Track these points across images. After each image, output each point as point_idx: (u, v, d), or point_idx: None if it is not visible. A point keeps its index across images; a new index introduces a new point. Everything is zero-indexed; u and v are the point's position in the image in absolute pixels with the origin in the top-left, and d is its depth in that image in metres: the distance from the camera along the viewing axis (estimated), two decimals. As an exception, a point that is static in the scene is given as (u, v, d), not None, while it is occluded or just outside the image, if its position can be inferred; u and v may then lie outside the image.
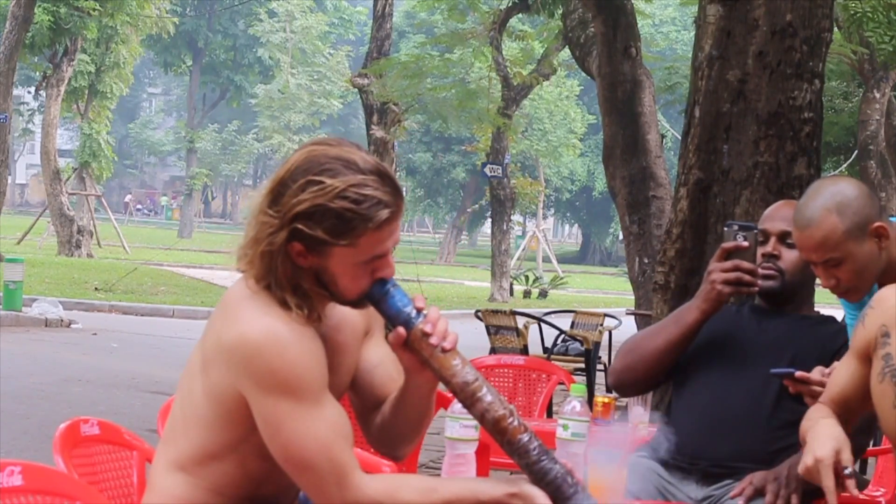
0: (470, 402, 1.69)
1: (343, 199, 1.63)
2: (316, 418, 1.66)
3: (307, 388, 1.66)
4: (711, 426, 2.41)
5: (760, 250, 2.49)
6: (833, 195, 2.11)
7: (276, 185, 1.67)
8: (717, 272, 2.41)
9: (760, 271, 2.45)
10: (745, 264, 2.40)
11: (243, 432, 1.72)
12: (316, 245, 1.66)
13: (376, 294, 1.71)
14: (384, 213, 1.65)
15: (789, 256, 2.46)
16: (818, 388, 2.02)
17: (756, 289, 2.42)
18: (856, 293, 2.13)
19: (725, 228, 2.45)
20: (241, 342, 1.66)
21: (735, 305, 2.58)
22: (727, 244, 2.41)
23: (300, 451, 1.66)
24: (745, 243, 2.40)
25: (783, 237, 2.47)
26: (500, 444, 1.70)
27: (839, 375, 1.96)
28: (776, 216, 2.53)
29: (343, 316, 1.81)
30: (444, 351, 1.70)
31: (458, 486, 1.72)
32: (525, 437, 1.68)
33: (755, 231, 2.43)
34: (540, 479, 1.68)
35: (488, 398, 1.69)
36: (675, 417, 2.50)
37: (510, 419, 1.68)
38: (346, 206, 1.63)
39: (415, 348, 1.71)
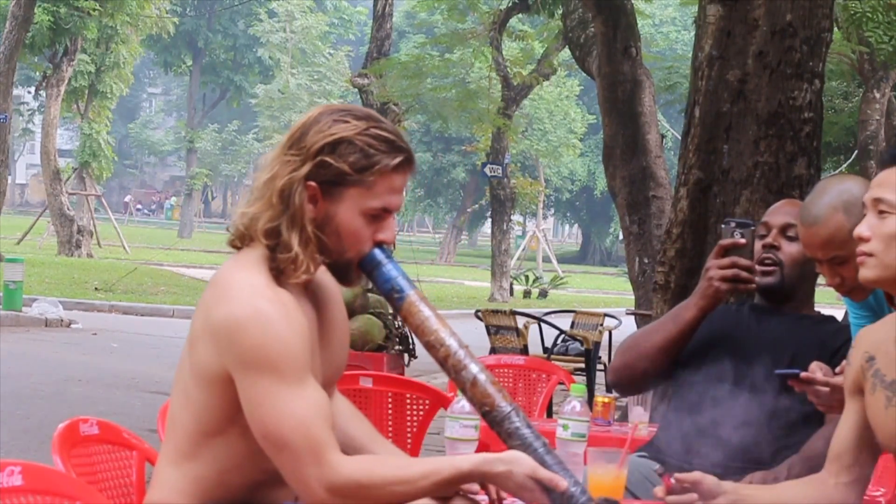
0: (455, 370, 1.70)
1: (367, 135, 1.72)
2: (296, 397, 1.67)
3: (289, 367, 1.67)
4: (711, 426, 2.40)
5: (761, 242, 2.49)
6: (840, 193, 2.10)
7: (296, 131, 1.75)
8: (714, 269, 2.41)
9: (759, 267, 2.45)
10: (743, 261, 2.40)
11: (236, 406, 1.73)
12: (333, 185, 1.72)
13: (373, 260, 1.74)
14: (402, 156, 1.74)
15: (789, 249, 2.46)
16: (823, 388, 2.01)
17: (753, 286, 2.42)
18: (860, 292, 2.13)
19: (723, 226, 2.45)
20: (228, 319, 1.68)
21: (735, 304, 2.58)
22: (724, 241, 2.42)
23: (278, 428, 1.67)
24: (743, 240, 2.40)
25: (784, 229, 2.47)
26: (486, 419, 1.70)
27: (844, 422, 1.95)
28: (779, 210, 2.53)
29: (331, 292, 1.85)
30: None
31: (435, 460, 1.72)
32: (506, 408, 1.68)
33: (752, 228, 2.43)
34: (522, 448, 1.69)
35: (481, 377, 1.70)
36: (674, 417, 2.49)
37: (499, 395, 1.69)
38: (369, 143, 1.72)
39: (405, 317, 1.74)
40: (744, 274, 2.39)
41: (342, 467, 1.67)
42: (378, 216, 1.74)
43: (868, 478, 1.96)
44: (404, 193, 1.78)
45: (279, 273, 1.73)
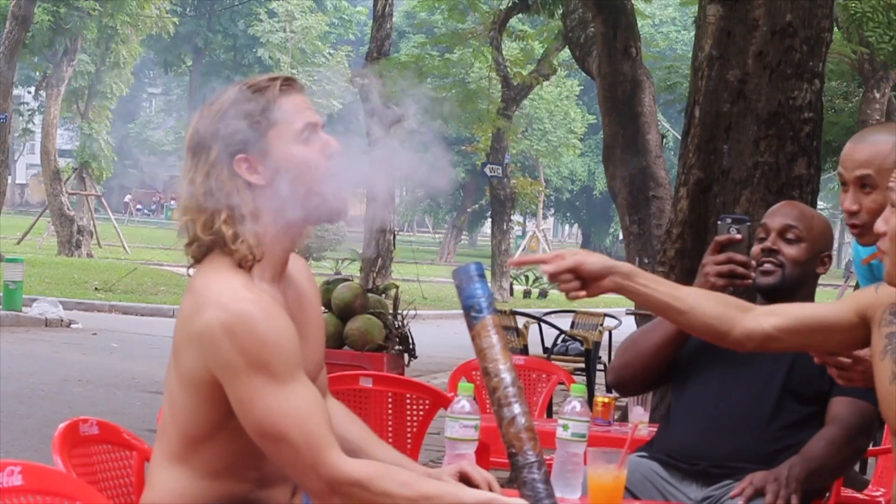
0: (499, 403, 1.69)
1: (243, 89, 1.74)
2: (289, 394, 1.66)
3: (279, 365, 1.66)
4: (711, 426, 2.40)
5: (760, 246, 2.49)
6: None
7: (191, 142, 1.76)
8: (710, 265, 2.41)
9: (760, 268, 2.45)
10: (739, 257, 2.40)
11: (225, 410, 1.72)
12: (249, 145, 1.72)
13: (467, 273, 1.74)
14: (279, 80, 1.75)
15: (789, 251, 2.46)
16: (845, 359, 2.00)
17: (749, 281, 2.42)
18: (870, 233, 2.04)
19: (719, 222, 2.45)
20: (212, 325, 1.67)
21: None
22: (720, 237, 2.42)
23: (274, 426, 1.66)
24: (739, 236, 2.40)
25: (783, 232, 2.47)
26: (510, 460, 1.68)
27: (817, 306, 1.92)
28: (777, 212, 2.53)
29: (302, 290, 1.84)
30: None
31: (441, 485, 1.71)
32: (531, 458, 1.67)
33: (748, 224, 2.43)
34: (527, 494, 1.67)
35: (521, 416, 1.68)
36: (675, 418, 2.49)
37: (530, 443, 1.68)
38: (247, 94, 1.74)
39: (473, 337, 1.73)
40: (739, 269, 2.39)
41: (344, 466, 1.66)
42: (310, 137, 1.74)
43: (778, 348, 1.91)
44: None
45: (247, 268, 1.73)
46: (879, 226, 1.79)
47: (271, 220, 1.74)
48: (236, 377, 1.66)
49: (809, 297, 2.52)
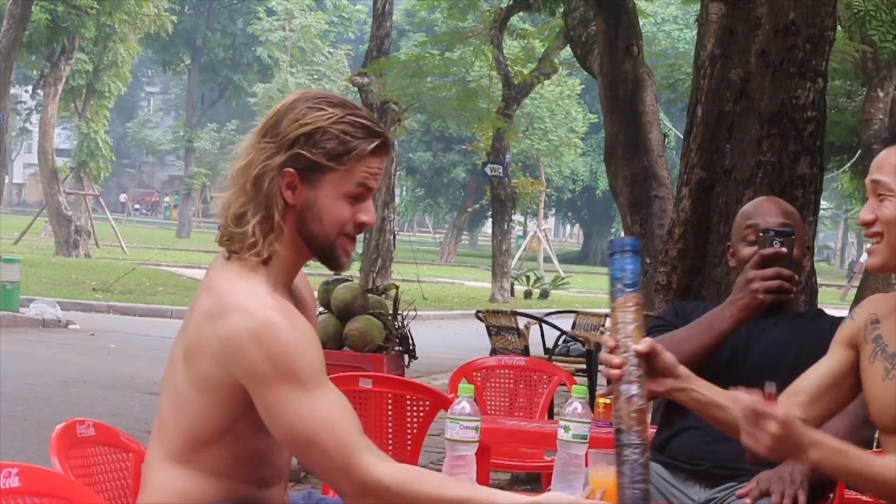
0: (618, 379, 1.71)
1: (343, 123, 1.74)
2: (317, 399, 1.68)
3: (306, 371, 1.68)
4: (714, 428, 2.38)
5: (750, 248, 2.44)
6: None
7: (270, 118, 1.76)
8: (758, 280, 2.34)
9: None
10: (786, 272, 2.35)
11: (236, 413, 1.73)
12: (310, 172, 1.73)
13: (623, 246, 1.77)
14: (378, 140, 1.76)
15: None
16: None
17: (791, 295, 2.38)
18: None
19: (761, 234, 2.39)
20: (239, 332, 1.68)
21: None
22: (766, 251, 2.35)
23: (305, 432, 1.67)
24: (784, 249, 2.35)
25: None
26: (616, 436, 1.71)
27: (819, 366, 1.94)
28: (766, 211, 2.49)
29: (302, 298, 1.87)
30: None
31: (475, 487, 1.71)
32: (636, 439, 1.69)
33: (792, 237, 2.37)
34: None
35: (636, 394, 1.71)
36: (677, 419, 2.47)
37: (640, 426, 1.70)
38: (345, 129, 1.73)
39: (612, 308, 1.76)
40: (787, 285, 2.35)
41: (376, 470, 1.67)
42: (358, 198, 1.77)
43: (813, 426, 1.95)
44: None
45: (264, 262, 1.74)
46: (865, 214, 1.79)
47: (289, 238, 1.77)
48: (265, 385, 1.68)
49: (803, 293, 2.49)
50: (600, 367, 1.75)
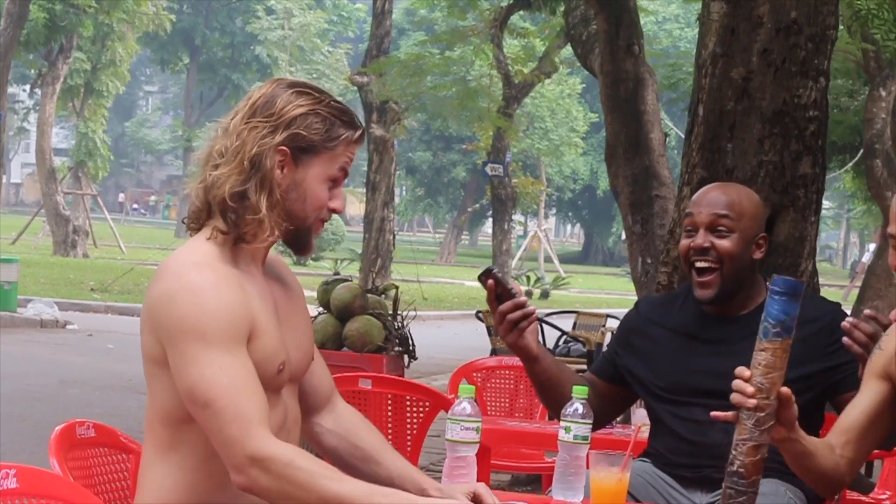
0: (748, 411, 1.78)
1: (330, 108, 1.80)
2: (225, 365, 1.68)
3: (216, 335, 1.68)
4: (715, 430, 2.36)
5: (689, 242, 2.36)
6: None
7: (258, 99, 1.79)
8: (496, 326, 2.28)
9: (697, 278, 2.34)
10: (505, 306, 2.22)
11: None
12: (302, 152, 1.77)
13: (796, 291, 1.78)
14: (360, 129, 1.84)
15: (722, 245, 2.33)
16: (865, 325, 2.02)
17: (533, 317, 2.26)
18: None
19: (480, 279, 2.26)
20: (160, 296, 1.72)
21: (690, 312, 2.43)
22: (488, 296, 2.22)
23: (205, 393, 1.67)
24: (491, 281, 2.22)
25: (712, 226, 2.34)
26: (727, 471, 1.78)
27: (858, 402, 1.98)
28: (702, 201, 2.38)
29: (286, 280, 1.90)
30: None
31: (359, 487, 1.67)
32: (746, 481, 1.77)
33: (493, 270, 2.25)
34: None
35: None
36: (673, 425, 2.44)
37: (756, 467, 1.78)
38: (333, 114, 1.80)
39: (764, 349, 1.78)
40: (514, 316, 2.23)
41: (269, 442, 1.66)
42: (335, 182, 1.82)
43: (863, 461, 2.00)
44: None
45: (239, 240, 1.76)
46: (892, 261, 1.85)
47: (273, 215, 1.78)
48: (174, 343, 1.69)
49: (754, 290, 2.38)
50: (732, 395, 1.77)
